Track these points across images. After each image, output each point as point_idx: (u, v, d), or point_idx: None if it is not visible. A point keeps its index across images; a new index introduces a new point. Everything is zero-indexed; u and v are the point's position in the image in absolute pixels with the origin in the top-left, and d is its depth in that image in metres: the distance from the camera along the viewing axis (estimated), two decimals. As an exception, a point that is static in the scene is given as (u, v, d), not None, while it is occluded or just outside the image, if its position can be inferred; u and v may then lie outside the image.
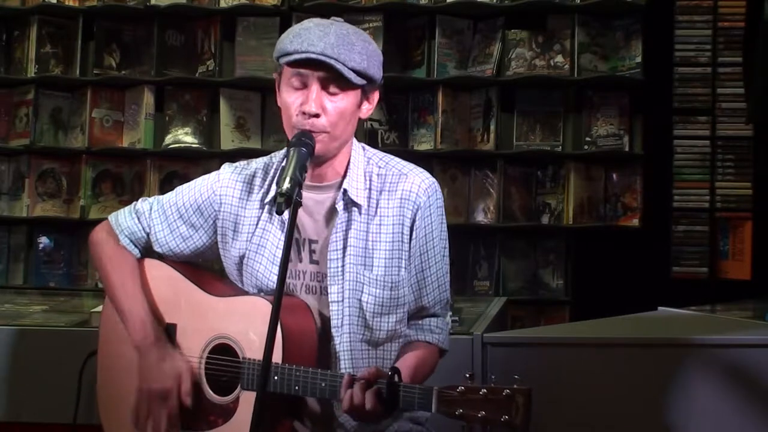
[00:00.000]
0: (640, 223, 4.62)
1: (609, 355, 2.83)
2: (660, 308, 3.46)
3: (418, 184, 2.29)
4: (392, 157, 2.36)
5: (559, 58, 4.70)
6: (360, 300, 2.25)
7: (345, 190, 2.25)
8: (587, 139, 4.71)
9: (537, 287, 4.71)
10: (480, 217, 4.76)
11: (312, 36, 2.16)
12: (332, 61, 2.15)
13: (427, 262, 2.31)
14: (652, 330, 3.12)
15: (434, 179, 2.33)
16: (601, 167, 4.70)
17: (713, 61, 4.57)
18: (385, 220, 2.27)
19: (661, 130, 4.61)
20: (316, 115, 2.17)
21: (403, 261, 2.27)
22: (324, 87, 2.18)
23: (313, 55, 2.14)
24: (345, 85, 2.18)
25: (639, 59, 4.59)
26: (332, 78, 2.17)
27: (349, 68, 2.16)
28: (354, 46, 2.17)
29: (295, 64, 2.18)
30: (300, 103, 2.18)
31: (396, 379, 2.04)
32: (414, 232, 2.28)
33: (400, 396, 2.03)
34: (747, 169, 4.54)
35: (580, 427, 2.79)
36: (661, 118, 4.61)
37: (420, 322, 2.35)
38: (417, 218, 2.28)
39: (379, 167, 2.31)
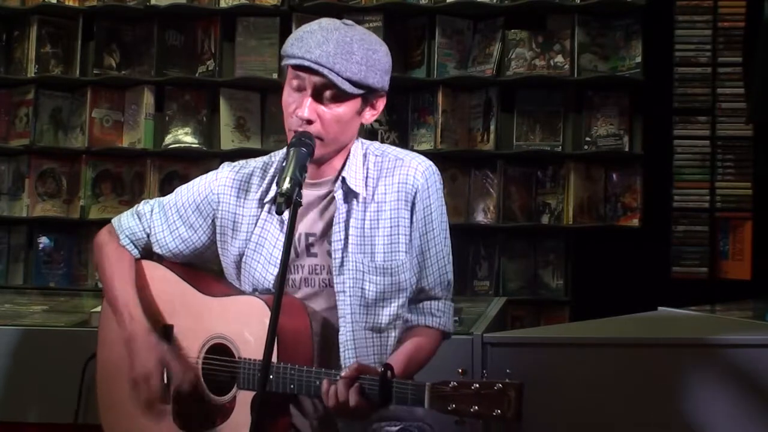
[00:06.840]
0: (640, 223, 4.61)
1: (609, 355, 2.83)
2: (660, 308, 3.46)
3: (415, 167, 2.30)
4: (389, 145, 2.38)
5: (559, 58, 4.70)
6: (362, 288, 2.26)
7: (343, 179, 2.26)
8: (587, 139, 4.71)
9: (537, 287, 4.71)
10: (480, 217, 4.76)
11: (311, 42, 2.15)
12: (326, 71, 2.14)
13: (427, 243, 2.32)
14: (652, 330, 3.12)
15: (431, 162, 2.34)
16: (601, 167, 4.70)
17: (713, 61, 4.58)
18: (383, 206, 2.28)
19: (661, 130, 4.61)
20: (309, 121, 2.18)
21: (403, 245, 2.28)
22: (320, 93, 2.18)
23: (307, 63, 2.14)
24: (340, 93, 2.18)
25: (639, 59, 4.59)
26: (327, 86, 2.17)
27: (344, 78, 2.15)
28: (353, 55, 2.15)
29: (293, 67, 2.18)
30: (295, 106, 2.19)
31: (389, 375, 2.04)
32: (414, 215, 2.29)
33: (393, 392, 2.03)
34: (747, 169, 4.54)
35: (579, 426, 2.79)
36: (661, 118, 4.61)
37: (420, 305, 2.35)
38: (416, 201, 2.29)
39: (376, 155, 2.33)
